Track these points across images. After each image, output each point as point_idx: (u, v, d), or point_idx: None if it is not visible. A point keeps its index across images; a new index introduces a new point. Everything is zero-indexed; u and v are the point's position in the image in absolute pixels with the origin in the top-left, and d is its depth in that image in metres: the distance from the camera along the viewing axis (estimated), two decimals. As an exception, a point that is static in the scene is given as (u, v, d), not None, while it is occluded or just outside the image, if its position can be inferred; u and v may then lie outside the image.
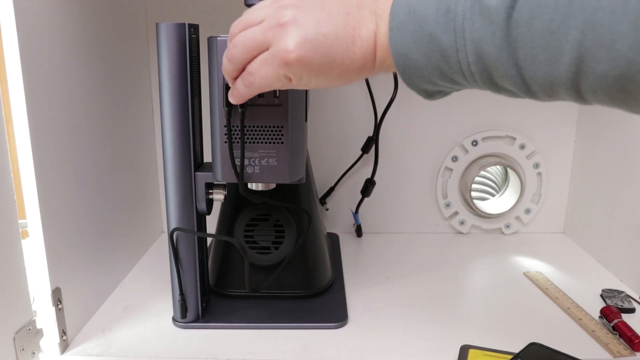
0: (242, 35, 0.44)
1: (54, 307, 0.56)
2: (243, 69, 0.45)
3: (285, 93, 0.54)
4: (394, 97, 0.86)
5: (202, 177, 0.60)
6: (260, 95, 0.54)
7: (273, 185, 0.61)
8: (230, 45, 0.45)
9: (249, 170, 0.56)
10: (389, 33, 0.39)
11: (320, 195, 0.93)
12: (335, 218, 0.95)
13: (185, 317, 0.63)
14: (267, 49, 0.43)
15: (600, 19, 0.30)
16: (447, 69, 0.38)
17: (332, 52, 0.41)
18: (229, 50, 0.45)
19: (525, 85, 0.36)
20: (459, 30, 0.36)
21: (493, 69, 0.36)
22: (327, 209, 0.94)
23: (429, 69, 0.39)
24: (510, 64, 0.35)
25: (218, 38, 0.53)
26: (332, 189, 0.93)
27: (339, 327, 0.64)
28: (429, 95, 0.42)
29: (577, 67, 0.32)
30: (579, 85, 0.33)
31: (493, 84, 0.38)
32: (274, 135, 0.55)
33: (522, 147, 0.91)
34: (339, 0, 0.42)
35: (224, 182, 0.61)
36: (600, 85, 0.32)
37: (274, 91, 0.54)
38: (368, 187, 0.90)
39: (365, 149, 0.90)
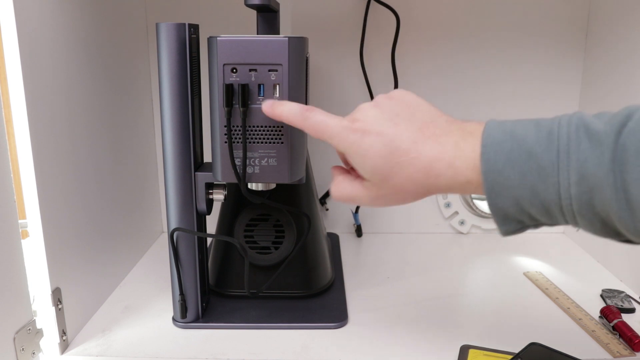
0: (367, 105, 0.46)
1: (54, 307, 0.56)
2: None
3: (285, 93, 0.54)
4: None
5: (202, 177, 0.60)
6: (260, 95, 0.54)
7: (273, 185, 0.61)
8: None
9: (249, 170, 0.56)
10: (482, 149, 0.39)
11: (320, 195, 0.93)
12: (335, 218, 0.95)
13: (185, 317, 0.63)
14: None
15: None
16: (542, 190, 0.37)
17: (399, 141, 0.42)
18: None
19: (630, 211, 0.34)
20: (562, 151, 0.36)
21: (596, 190, 0.35)
22: (327, 209, 0.94)
23: (521, 189, 0.38)
24: (616, 186, 0.34)
25: (218, 38, 0.53)
26: (332, 189, 0.93)
27: (339, 327, 0.64)
28: (507, 223, 0.40)
29: None
30: None
31: (591, 211, 0.36)
32: (274, 135, 0.55)
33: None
34: (427, 110, 0.44)
35: (224, 182, 0.61)
36: None
37: (274, 91, 0.54)
38: None
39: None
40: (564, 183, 0.36)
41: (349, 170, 0.48)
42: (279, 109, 0.50)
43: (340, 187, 0.47)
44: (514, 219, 0.40)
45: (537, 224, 0.40)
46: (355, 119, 0.44)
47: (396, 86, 0.86)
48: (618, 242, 0.39)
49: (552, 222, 0.39)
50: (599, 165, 0.35)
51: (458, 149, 0.40)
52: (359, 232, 0.93)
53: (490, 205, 0.40)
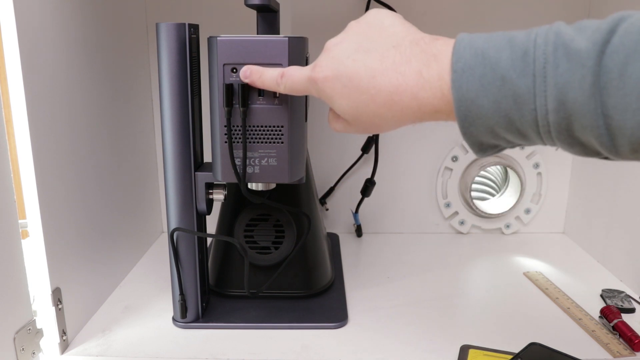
0: (330, 42, 0.46)
1: (54, 307, 0.56)
2: None
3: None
4: None
5: (202, 177, 0.60)
6: (261, 95, 0.54)
7: (273, 185, 0.61)
8: None
9: (249, 170, 0.56)
10: (452, 75, 0.36)
11: (320, 195, 0.93)
12: (335, 218, 0.95)
13: (185, 317, 0.63)
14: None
15: None
16: (517, 118, 0.35)
17: (357, 79, 0.40)
18: None
19: (610, 137, 0.33)
20: (539, 75, 0.33)
21: (576, 117, 0.33)
22: (327, 209, 0.94)
23: (496, 117, 0.35)
24: (597, 112, 0.32)
25: (218, 38, 0.53)
26: (332, 189, 0.93)
27: (339, 327, 0.64)
28: (482, 149, 0.39)
29: None
30: None
31: (570, 136, 0.35)
32: (274, 135, 0.55)
33: (522, 147, 0.91)
34: (392, 33, 0.41)
35: (224, 182, 0.61)
36: None
37: (274, 91, 0.54)
38: (368, 187, 0.90)
39: (365, 149, 0.90)
40: (541, 110, 0.34)
41: None
42: (258, 80, 0.51)
43: (332, 124, 0.47)
44: (489, 145, 0.38)
45: (513, 145, 0.39)
46: (316, 65, 0.44)
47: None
48: (599, 159, 0.37)
49: (530, 144, 0.37)
50: (579, 90, 0.32)
51: (421, 77, 0.38)
52: (359, 232, 0.93)
53: (464, 135, 0.38)
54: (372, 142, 0.89)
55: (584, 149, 0.35)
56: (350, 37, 0.43)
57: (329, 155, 0.92)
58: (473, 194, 0.91)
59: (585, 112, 0.33)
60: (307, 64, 0.57)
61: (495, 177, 0.96)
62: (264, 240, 0.68)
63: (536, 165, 0.92)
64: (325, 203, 0.94)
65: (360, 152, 0.90)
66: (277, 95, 0.54)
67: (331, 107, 0.45)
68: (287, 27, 0.85)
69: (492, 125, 0.36)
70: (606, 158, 0.36)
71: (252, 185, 0.60)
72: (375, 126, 0.42)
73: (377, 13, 0.44)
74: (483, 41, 0.36)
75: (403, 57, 0.39)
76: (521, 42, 0.35)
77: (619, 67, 0.31)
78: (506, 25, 0.86)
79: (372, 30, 0.42)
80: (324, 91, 0.43)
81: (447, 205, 0.93)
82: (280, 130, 0.55)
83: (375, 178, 0.90)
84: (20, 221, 0.54)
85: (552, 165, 0.92)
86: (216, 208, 0.67)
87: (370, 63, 0.40)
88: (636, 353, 0.59)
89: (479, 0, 0.85)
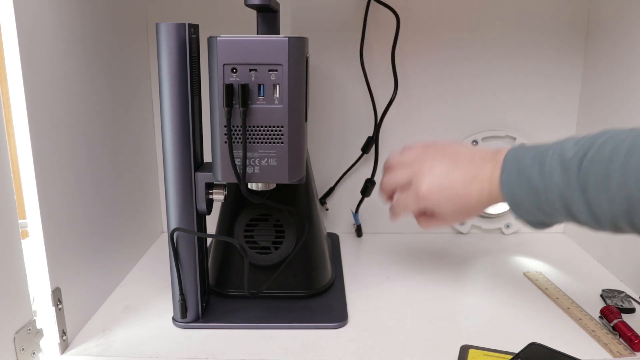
0: (395, 174, 0.62)
1: (54, 307, 0.56)
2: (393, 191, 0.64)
3: (285, 93, 0.54)
4: (394, 97, 0.86)
5: (202, 177, 0.60)
6: (260, 95, 0.54)
7: (273, 185, 0.61)
8: (387, 175, 0.64)
9: (249, 170, 0.56)
10: (500, 177, 0.53)
11: (320, 195, 0.93)
12: (335, 218, 0.95)
13: (185, 317, 0.63)
14: (409, 186, 0.60)
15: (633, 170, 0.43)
16: (540, 204, 0.51)
17: (454, 192, 0.57)
18: (387, 177, 0.64)
19: (595, 219, 0.47)
20: (547, 178, 0.49)
21: (571, 205, 0.48)
22: (327, 209, 0.94)
23: (528, 203, 0.52)
24: (582, 202, 0.47)
25: (218, 38, 0.53)
26: (332, 189, 0.93)
27: (339, 327, 0.64)
28: (533, 225, 0.54)
29: (629, 206, 0.44)
30: (632, 219, 0.45)
31: (573, 217, 0.49)
32: (274, 135, 0.55)
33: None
34: (467, 153, 0.58)
35: (224, 182, 0.61)
36: None
37: (274, 91, 0.54)
38: (368, 187, 0.90)
39: (365, 149, 0.90)
40: (550, 200, 0.50)
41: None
42: (393, 212, 0.64)
43: (425, 225, 0.63)
44: (534, 221, 0.54)
45: (553, 220, 0.53)
46: (420, 184, 0.59)
47: (396, 86, 0.86)
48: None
49: (560, 220, 0.52)
50: (568, 188, 0.48)
51: (491, 181, 0.55)
52: (359, 232, 0.93)
53: (515, 214, 0.54)
54: (372, 142, 0.89)
55: (585, 223, 0.49)
56: (437, 160, 0.59)
57: (329, 155, 0.92)
58: (473, 194, 0.91)
59: (574, 203, 0.48)
60: (307, 64, 0.57)
61: (495, 177, 0.96)
62: (264, 240, 0.68)
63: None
64: (325, 203, 0.94)
65: (360, 152, 0.91)
66: (277, 94, 0.54)
67: (429, 213, 0.60)
68: (287, 27, 0.86)
69: (528, 208, 0.52)
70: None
71: (252, 185, 0.60)
72: (465, 217, 0.60)
73: (446, 143, 0.62)
74: (523, 153, 0.53)
75: (478, 168, 0.56)
76: (542, 153, 0.51)
77: (592, 173, 0.46)
78: (507, 25, 0.86)
79: (451, 152, 0.59)
80: (431, 201, 0.58)
81: (447, 205, 0.93)
82: (280, 130, 0.55)
83: (375, 178, 0.90)
84: (20, 221, 0.54)
85: (552, 165, 0.92)
86: (216, 208, 0.67)
87: (461, 176, 0.57)
88: (636, 353, 0.59)
89: (478, 0, 0.85)
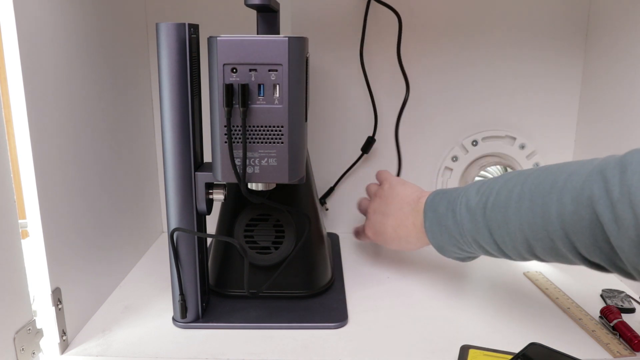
0: (362, 206, 0.82)
1: (54, 307, 0.56)
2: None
3: (285, 93, 0.54)
4: (407, 98, 0.87)
5: (202, 177, 0.60)
6: (260, 95, 0.54)
7: (273, 185, 0.61)
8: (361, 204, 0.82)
9: (249, 170, 0.56)
10: (424, 226, 0.65)
11: (320, 195, 0.93)
12: (335, 218, 0.95)
13: (185, 317, 0.63)
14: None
15: (525, 219, 0.52)
16: (460, 245, 0.61)
17: (388, 237, 0.71)
18: (360, 205, 0.82)
19: (504, 254, 0.57)
20: (459, 225, 0.60)
21: (484, 246, 0.58)
22: (326, 209, 0.94)
23: (451, 246, 0.63)
24: (492, 243, 0.57)
25: (218, 38, 0.53)
26: (332, 189, 0.93)
27: (339, 327, 0.64)
28: (461, 259, 0.65)
29: (527, 244, 0.53)
30: (534, 253, 0.54)
31: (488, 253, 0.59)
32: (274, 135, 0.55)
33: (522, 147, 0.91)
34: (398, 201, 0.70)
35: (224, 182, 0.61)
36: (541, 251, 0.53)
37: (274, 91, 0.54)
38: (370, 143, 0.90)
39: (365, 149, 0.90)
40: (466, 241, 0.60)
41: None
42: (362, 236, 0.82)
43: (362, 239, 0.82)
44: (461, 257, 0.65)
45: (475, 255, 0.64)
46: (366, 228, 0.77)
47: (407, 86, 0.86)
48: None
49: (479, 253, 0.62)
50: (477, 231, 0.58)
51: (415, 227, 0.68)
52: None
53: (441, 254, 0.66)
54: (372, 143, 0.89)
55: (493, 255, 0.60)
56: (377, 205, 0.74)
57: (329, 155, 0.92)
58: (473, 194, 0.91)
59: (485, 241, 0.58)
60: (307, 64, 0.57)
61: (495, 177, 0.96)
62: (264, 240, 0.68)
63: (536, 165, 0.92)
64: (325, 203, 0.94)
65: (360, 152, 0.91)
66: (277, 94, 0.54)
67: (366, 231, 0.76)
68: (287, 27, 0.86)
69: (452, 249, 0.64)
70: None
71: (252, 185, 0.60)
72: (409, 250, 0.77)
73: (388, 190, 0.74)
74: (438, 203, 0.64)
75: (404, 217, 0.69)
76: (452, 203, 0.62)
77: (494, 216, 0.56)
78: (507, 25, 0.86)
79: (387, 201, 0.72)
80: (377, 242, 0.75)
81: (447, 205, 0.93)
82: (280, 130, 0.55)
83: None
84: (20, 221, 0.54)
85: (552, 165, 0.92)
86: (216, 208, 0.67)
87: (391, 223, 0.71)
88: (636, 353, 0.59)
89: (478, 0, 0.85)
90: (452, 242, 0.62)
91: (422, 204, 0.66)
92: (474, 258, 0.65)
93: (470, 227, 0.58)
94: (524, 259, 0.56)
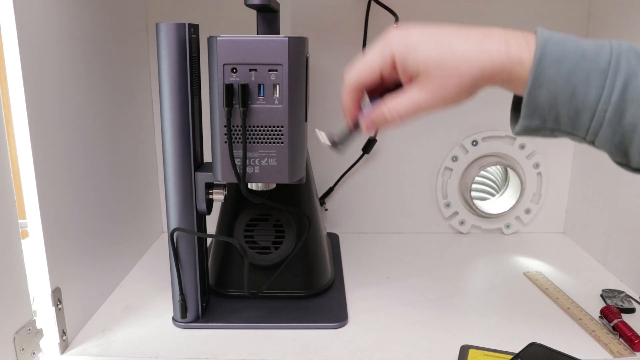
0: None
1: (54, 307, 0.56)
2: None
3: (285, 93, 0.54)
4: None
5: (202, 177, 0.60)
6: (260, 95, 0.54)
7: (273, 185, 0.61)
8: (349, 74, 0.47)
9: (249, 170, 0.56)
10: (538, 38, 0.40)
11: (320, 195, 0.93)
12: (335, 218, 0.95)
13: (185, 317, 0.63)
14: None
15: None
16: (583, 93, 0.39)
17: (446, 41, 0.42)
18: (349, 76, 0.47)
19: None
20: (614, 60, 0.38)
21: (633, 104, 0.38)
22: (326, 209, 0.94)
23: (564, 86, 0.39)
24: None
25: (218, 38, 0.53)
26: (332, 189, 0.93)
27: (339, 327, 0.64)
28: (532, 117, 0.41)
29: None
30: None
31: (619, 123, 0.39)
32: (274, 135, 0.55)
33: (522, 147, 0.91)
34: (468, 29, 0.43)
35: (224, 182, 0.61)
36: None
37: (274, 91, 0.54)
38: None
39: (365, 149, 0.90)
40: (608, 88, 0.38)
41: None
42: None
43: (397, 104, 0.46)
44: (540, 116, 0.41)
45: (553, 130, 0.42)
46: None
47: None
48: (620, 167, 0.42)
49: (571, 131, 0.41)
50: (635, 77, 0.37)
51: (508, 32, 0.42)
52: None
53: (528, 94, 0.40)
54: (372, 142, 0.89)
55: (619, 146, 0.40)
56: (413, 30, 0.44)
57: (329, 155, 0.92)
58: (473, 194, 0.91)
59: None
60: (307, 64, 0.57)
61: (495, 177, 0.96)
62: (264, 240, 0.68)
63: (536, 165, 0.92)
64: (325, 203, 0.94)
65: (361, 152, 0.90)
66: (277, 94, 0.54)
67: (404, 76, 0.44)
68: (287, 27, 0.86)
69: (557, 93, 0.39)
70: (624, 166, 0.42)
71: (252, 185, 0.60)
72: (457, 77, 0.42)
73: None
74: (564, 34, 0.41)
75: (494, 30, 0.42)
76: (598, 41, 0.40)
77: None
78: (507, 25, 0.86)
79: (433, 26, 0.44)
80: (405, 43, 0.42)
81: (447, 205, 0.93)
82: (280, 130, 0.55)
83: (376, 178, 0.90)
84: (20, 221, 0.54)
85: (552, 165, 0.92)
86: (216, 208, 0.67)
87: (464, 33, 0.42)
88: (636, 353, 0.59)
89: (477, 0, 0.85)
90: (570, 81, 0.39)
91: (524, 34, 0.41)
92: (540, 132, 0.42)
93: (635, 72, 0.38)
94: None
